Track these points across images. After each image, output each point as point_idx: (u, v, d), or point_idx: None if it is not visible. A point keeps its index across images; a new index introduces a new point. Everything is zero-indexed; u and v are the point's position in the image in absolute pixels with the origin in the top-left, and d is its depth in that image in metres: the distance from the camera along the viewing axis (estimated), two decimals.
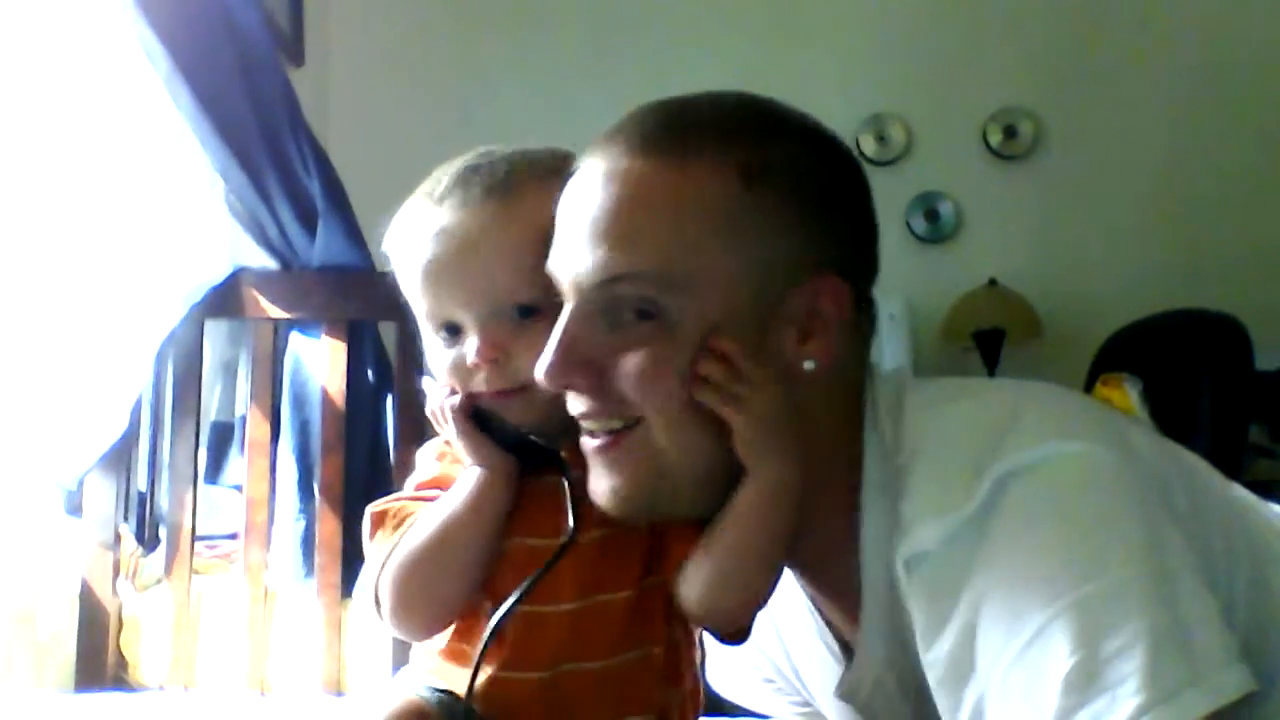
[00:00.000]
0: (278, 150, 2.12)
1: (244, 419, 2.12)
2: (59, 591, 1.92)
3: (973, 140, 3.71)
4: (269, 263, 2.18)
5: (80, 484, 1.97)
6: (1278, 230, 3.55)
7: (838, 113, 3.82)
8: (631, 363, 0.87)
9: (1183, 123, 3.61)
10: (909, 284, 3.63)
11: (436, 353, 1.01)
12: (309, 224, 2.15)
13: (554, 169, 0.98)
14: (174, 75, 1.94)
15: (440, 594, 0.97)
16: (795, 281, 0.88)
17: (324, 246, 2.14)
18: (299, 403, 2.12)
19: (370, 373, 2.16)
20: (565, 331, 0.88)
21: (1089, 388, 3.04)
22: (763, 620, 1.04)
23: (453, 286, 0.97)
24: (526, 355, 0.94)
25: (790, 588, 1.05)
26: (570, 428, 0.94)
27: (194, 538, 2.00)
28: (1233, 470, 2.64)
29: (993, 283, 3.54)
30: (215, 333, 2.21)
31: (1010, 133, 3.70)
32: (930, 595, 0.84)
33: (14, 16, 1.89)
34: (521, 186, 0.98)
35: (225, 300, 2.10)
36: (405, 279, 1.01)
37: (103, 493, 1.96)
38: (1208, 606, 0.79)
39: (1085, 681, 0.75)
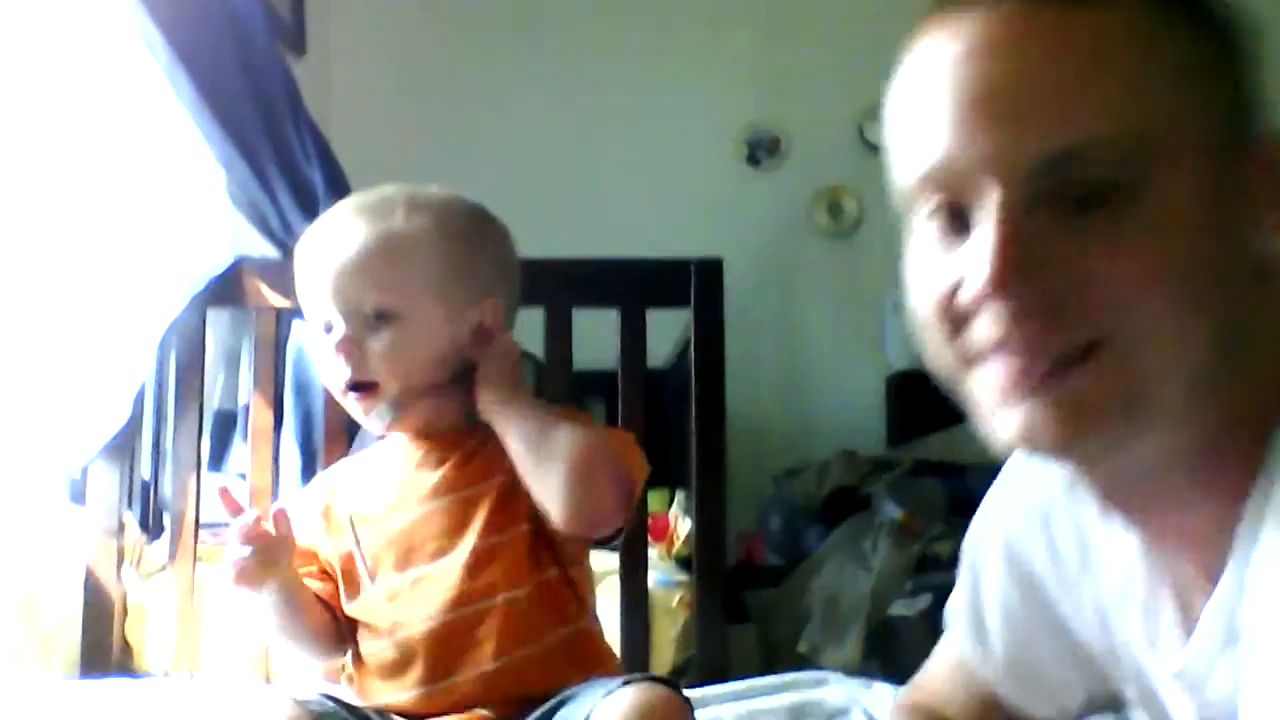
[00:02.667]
0: (279, 140, 2.12)
1: (247, 407, 2.13)
2: (63, 579, 1.93)
3: None
4: (271, 252, 2.18)
5: (84, 472, 1.97)
6: None
7: (839, 103, 3.82)
8: (1120, 259, 0.67)
9: None
10: None
11: (319, 342, 1.21)
12: (310, 213, 2.15)
13: (427, 205, 1.21)
14: (175, 65, 1.94)
15: (306, 653, 1.22)
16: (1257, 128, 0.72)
17: None
18: (302, 391, 2.12)
19: None
20: (1004, 229, 0.68)
21: None
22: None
23: (322, 290, 1.19)
24: (378, 353, 1.16)
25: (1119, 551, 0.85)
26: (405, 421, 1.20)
27: (197, 525, 2.01)
28: None
29: None
30: (218, 322, 2.21)
31: None
32: None
33: (15, 7, 1.89)
34: (387, 207, 1.20)
35: (227, 289, 2.10)
36: (298, 281, 1.24)
37: (106, 481, 1.97)
38: None
39: None
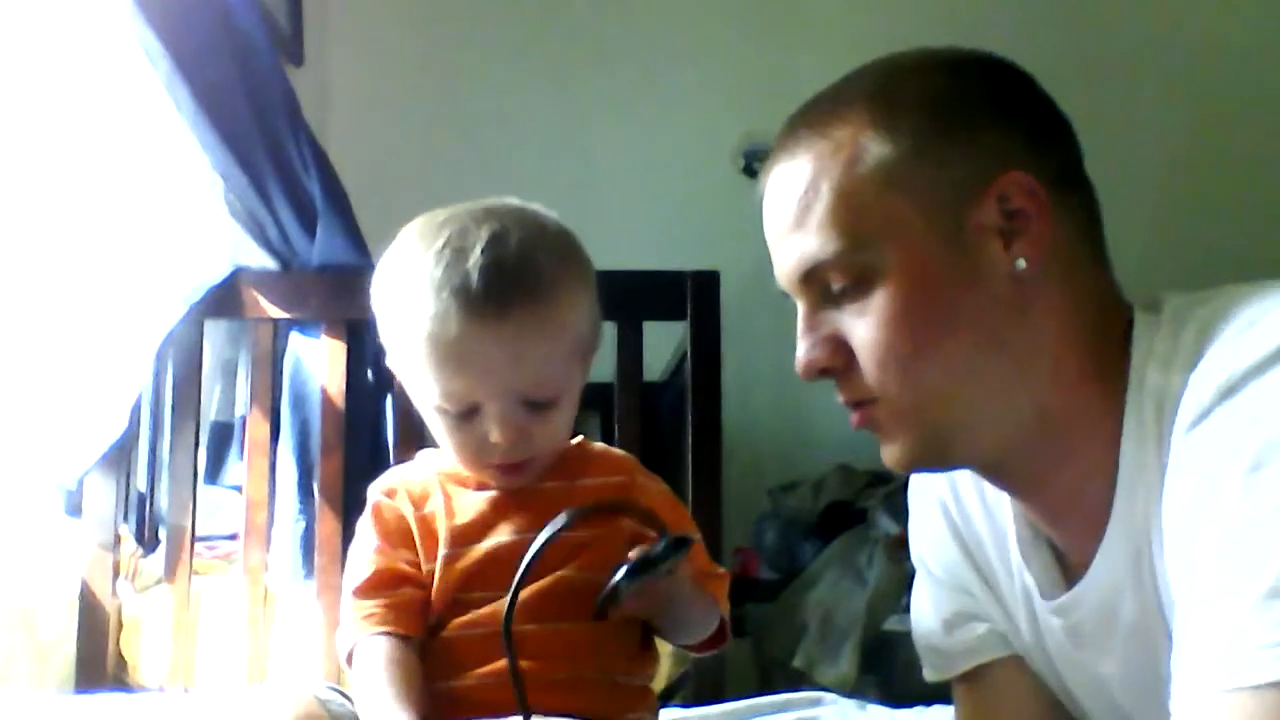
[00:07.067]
0: (277, 150, 2.12)
1: (244, 419, 2.12)
2: (59, 592, 1.92)
3: None
4: (269, 263, 2.18)
5: (80, 484, 1.97)
6: None
7: None
8: (863, 337, 0.93)
9: (1185, 117, 3.60)
10: None
11: (442, 422, 1.10)
12: (308, 224, 2.15)
13: (567, 260, 1.13)
14: (174, 75, 1.94)
15: None
16: (976, 193, 0.91)
17: (323, 246, 2.14)
18: (299, 403, 2.12)
19: (370, 373, 2.16)
20: (801, 325, 0.96)
21: None
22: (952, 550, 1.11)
23: (481, 378, 1.07)
24: (541, 433, 1.10)
25: (995, 511, 1.06)
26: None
27: (194, 538, 2.01)
28: None
29: None
30: (215, 333, 2.21)
31: None
32: (1205, 453, 0.81)
33: (14, 16, 1.89)
34: (551, 294, 1.09)
35: (225, 300, 2.11)
36: (410, 345, 1.08)
37: (102, 493, 1.97)
38: None
39: None
